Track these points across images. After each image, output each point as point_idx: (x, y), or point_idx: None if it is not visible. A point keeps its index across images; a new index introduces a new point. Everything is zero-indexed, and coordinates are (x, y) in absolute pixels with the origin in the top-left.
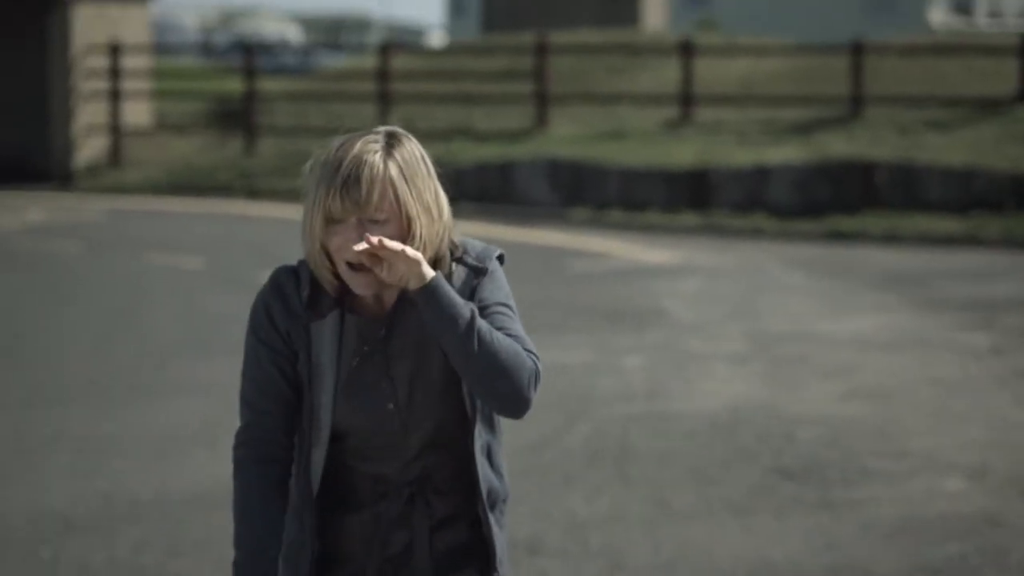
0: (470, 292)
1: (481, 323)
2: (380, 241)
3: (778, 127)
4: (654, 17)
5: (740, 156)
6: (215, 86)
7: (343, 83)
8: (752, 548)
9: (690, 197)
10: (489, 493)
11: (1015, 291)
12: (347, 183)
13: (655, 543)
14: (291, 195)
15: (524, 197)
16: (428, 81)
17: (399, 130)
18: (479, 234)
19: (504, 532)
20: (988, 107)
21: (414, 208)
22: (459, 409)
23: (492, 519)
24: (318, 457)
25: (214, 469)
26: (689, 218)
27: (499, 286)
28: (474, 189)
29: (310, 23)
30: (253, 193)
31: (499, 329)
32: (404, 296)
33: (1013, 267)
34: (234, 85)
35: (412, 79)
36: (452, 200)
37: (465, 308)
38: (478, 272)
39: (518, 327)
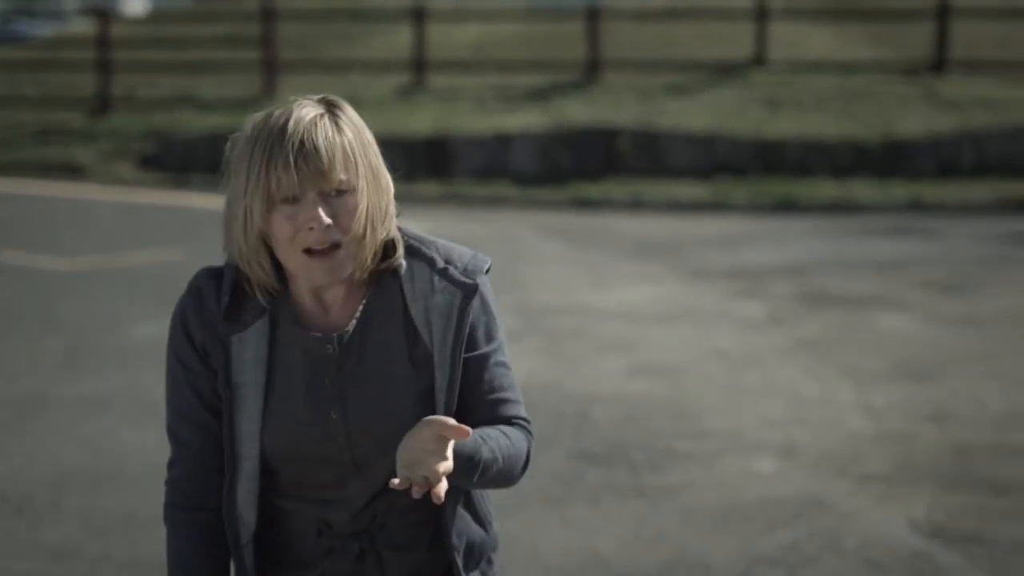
0: (457, 315)
1: (488, 453)
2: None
3: (515, 93)
4: None
5: (478, 123)
6: None
7: (57, 51)
8: (576, 541)
9: (429, 165)
10: (469, 548)
11: (772, 258)
12: (303, 151)
13: None
14: (14, 168)
15: None
16: (149, 49)
17: (332, 96)
18: (212, 208)
19: None
20: (725, 71)
21: (369, 177)
22: None
23: None
24: (244, 496)
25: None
26: (430, 187)
27: (492, 313)
28: (206, 159)
29: None
30: None
31: (496, 393)
32: (366, 304)
33: (762, 232)
34: None
35: (131, 47)
36: (180, 171)
37: (476, 455)
38: (467, 292)
39: (511, 377)
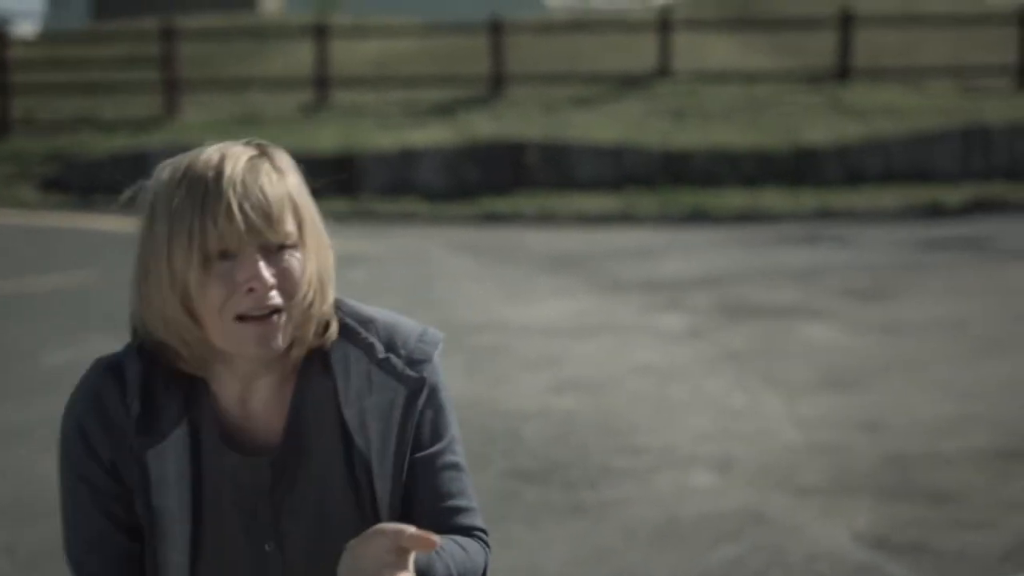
0: (400, 417)
1: (444, 570)
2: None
3: (419, 108)
4: (271, 1)
5: (384, 139)
6: None
7: None
8: (519, 561)
9: (337, 183)
10: None
11: (687, 269)
12: (247, 196)
13: None
14: None
15: None
16: (46, 70)
17: (259, 140)
18: (121, 231)
19: None
20: (630, 83)
21: (315, 233)
22: None
23: None
24: None
25: None
26: (338, 204)
27: (441, 404)
28: (109, 181)
29: None
30: None
31: (446, 501)
32: (294, 405)
33: (674, 243)
34: None
35: (28, 69)
36: (84, 193)
37: (429, 571)
38: (411, 387)
39: (464, 480)
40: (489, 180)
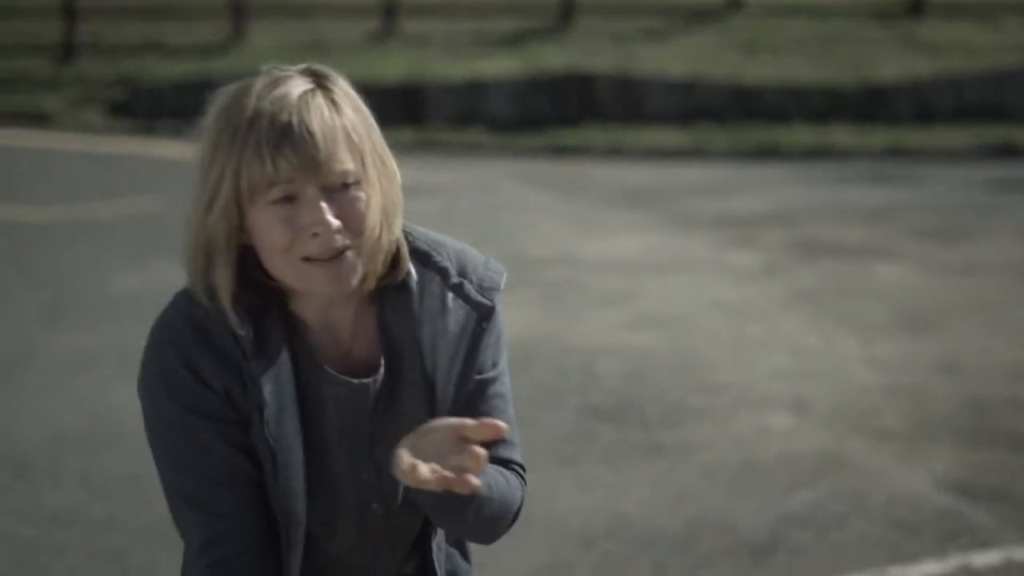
0: (469, 342)
1: (486, 490)
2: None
3: (487, 38)
4: None
5: (452, 69)
6: None
7: None
8: (596, 501)
9: (403, 112)
10: None
11: (759, 206)
12: (291, 137)
13: None
14: None
15: None
16: None
17: (317, 66)
18: (185, 158)
19: None
20: (702, 16)
21: (378, 164)
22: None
23: None
24: (294, 571)
25: None
26: (404, 134)
27: (500, 335)
28: (174, 107)
29: None
30: None
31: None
32: (381, 329)
33: (744, 179)
34: None
35: None
36: (150, 119)
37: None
38: (482, 314)
39: (510, 412)
40: (557, 112)
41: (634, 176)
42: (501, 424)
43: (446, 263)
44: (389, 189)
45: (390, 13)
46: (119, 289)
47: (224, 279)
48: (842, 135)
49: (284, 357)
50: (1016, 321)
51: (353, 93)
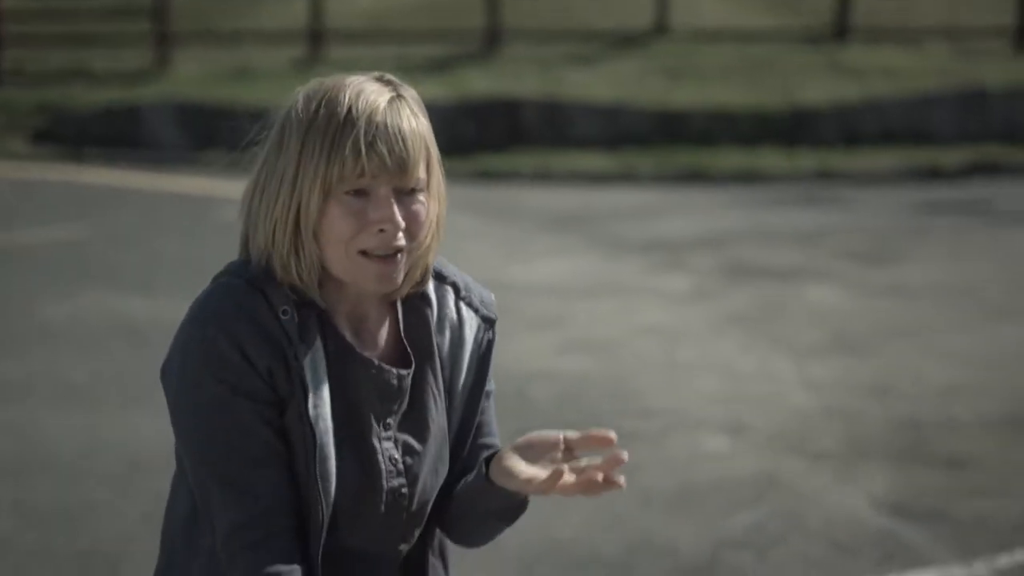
0: (484, 351)
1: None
2: None
3: (414, 64)
4: None
5: None
6: None
7: None
8: (534, 526)
9: None
10: None
11: (687, 229)
12: (386, 138)
13: None
14: None
15: (153, 141)
16: (36, 22)
17: (387, 74)
18: (112, 184)
19: None
20: (628, 41)
21: (437, 176)
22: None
23: None
24: (317, 554)
25: None
26: None
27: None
28: (99, 134)
29: None
30: None
31: (486, 438)
32: (407, 328)
33: (673, 203)
34: None
35: (17, 19)
36: (75, 146)
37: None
38: (490, 325)
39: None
40: (484, 137)
41: (562, 200)
42: (611, 434)
43: (456, 279)
44: (443, 203)
45: (316, 39)
46: (49, 317)
47: (312, 257)
48: (769, 158)
49: (319, 344)
50: (945, 343)
51: (422, 104)
